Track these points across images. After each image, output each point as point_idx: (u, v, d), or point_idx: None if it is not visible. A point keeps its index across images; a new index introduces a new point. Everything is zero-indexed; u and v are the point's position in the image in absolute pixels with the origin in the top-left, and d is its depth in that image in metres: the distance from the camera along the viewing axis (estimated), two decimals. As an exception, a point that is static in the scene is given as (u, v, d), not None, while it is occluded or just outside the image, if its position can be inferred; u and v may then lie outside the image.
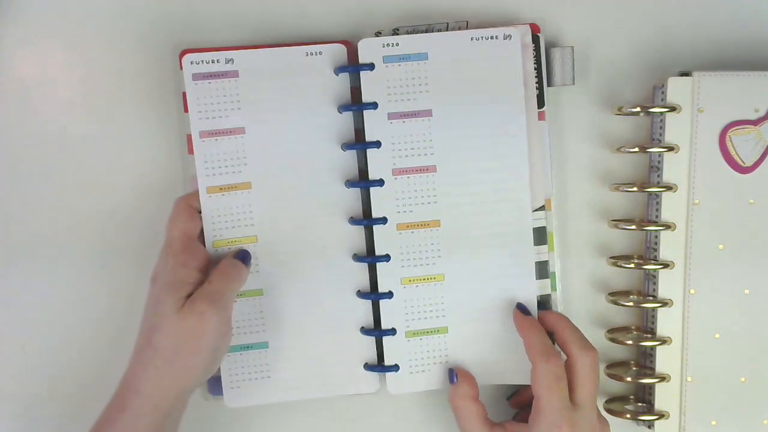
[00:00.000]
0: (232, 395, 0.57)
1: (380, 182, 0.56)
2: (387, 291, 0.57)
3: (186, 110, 0.56)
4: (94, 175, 0.59)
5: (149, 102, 0.59)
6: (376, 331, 0.57)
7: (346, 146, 0.56)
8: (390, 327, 0.57)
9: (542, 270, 0.57)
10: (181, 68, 0.56)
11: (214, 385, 0.58)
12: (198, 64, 0.55)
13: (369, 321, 0.58)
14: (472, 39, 0.55)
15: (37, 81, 0.58)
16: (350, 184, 0.56)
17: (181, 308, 0.51)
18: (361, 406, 0.60)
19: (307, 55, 0.56)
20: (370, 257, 0.57)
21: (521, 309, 0.56)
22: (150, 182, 0.59)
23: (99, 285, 0.59)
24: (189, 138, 0.57)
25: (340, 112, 0.56)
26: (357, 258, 0.57)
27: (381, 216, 0.56)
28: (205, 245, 0.56)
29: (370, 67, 0.55)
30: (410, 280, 0.57)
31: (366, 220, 0.56)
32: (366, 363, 0.58)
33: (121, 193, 0.59)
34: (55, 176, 0.59)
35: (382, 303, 0.57)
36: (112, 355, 0.55)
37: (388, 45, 0.55)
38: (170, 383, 0.50)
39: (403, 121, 0.56)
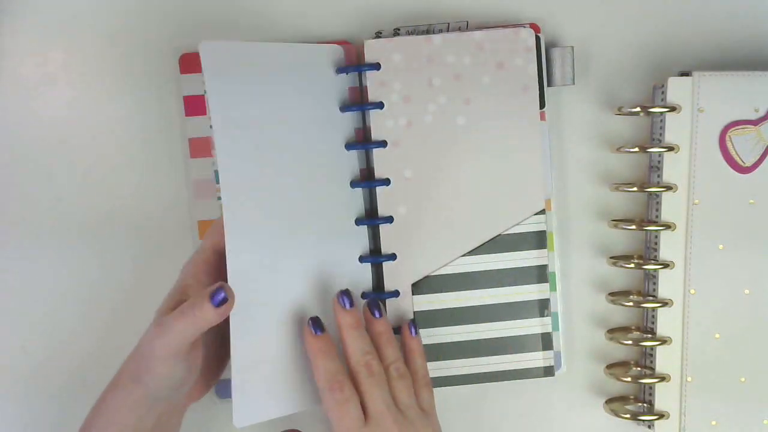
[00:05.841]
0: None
1: (386, 181, 0.56)
2: (393, 290, 0.57)
3: (186, 114, 0.56)
4: (94, 177, 0.59)
5: (150, 104, 0.58)
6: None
7: (350, 146, 0.56)
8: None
9: (541, 274, 0.57)
10: (182, 71, 0.55)
11: (222, 387, 0.56)
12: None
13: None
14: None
15: (37, 81, 0.58)
16: (355, 184, 0.56)
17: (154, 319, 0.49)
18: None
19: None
20: (375, 257, 0.56)
21: (315, 324, 0.52)
22: (151, 185, 0.59)
23: (99, 287, 0.59)
24: (191, 141, 0.56)
25: (342, 112, 0.56)
26: (362, 259, 0.57)
27: (387, 215, 0.56)
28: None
29: (376, 67, 0.55)
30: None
31: (372, 219, 0.56)
32: None
33: (122, 195, 0.59)
34: (55, 177, 0.59)
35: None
36: (113, 357, 0.54)
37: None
38: (125, 393, 0.49)
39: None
